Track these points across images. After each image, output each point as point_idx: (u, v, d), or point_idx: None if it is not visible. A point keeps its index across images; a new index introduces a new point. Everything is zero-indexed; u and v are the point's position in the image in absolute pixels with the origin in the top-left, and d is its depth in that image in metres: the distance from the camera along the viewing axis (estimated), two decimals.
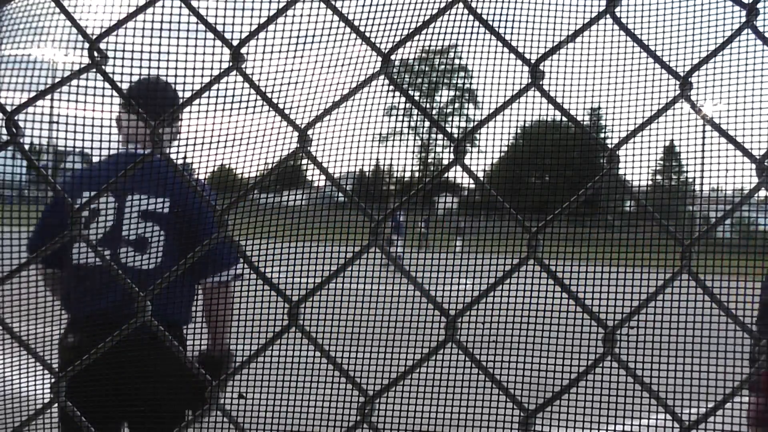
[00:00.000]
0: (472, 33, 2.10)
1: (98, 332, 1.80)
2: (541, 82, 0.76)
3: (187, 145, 2.81)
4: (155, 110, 2.13)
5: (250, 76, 0.81)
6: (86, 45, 0.78)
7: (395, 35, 1.94)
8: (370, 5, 1.90)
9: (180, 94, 2.53)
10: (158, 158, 2.24)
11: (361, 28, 1.36)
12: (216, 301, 2.23)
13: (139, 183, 2.10)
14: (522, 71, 2.16)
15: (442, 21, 2.07)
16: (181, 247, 1.98)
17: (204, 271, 2.23)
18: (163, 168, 2.08)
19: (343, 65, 2.02)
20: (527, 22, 2.09)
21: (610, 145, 0.76)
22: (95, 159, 2.12)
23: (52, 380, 0.74)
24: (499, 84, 2.18)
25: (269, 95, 0.82)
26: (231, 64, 0.78)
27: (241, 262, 2.19)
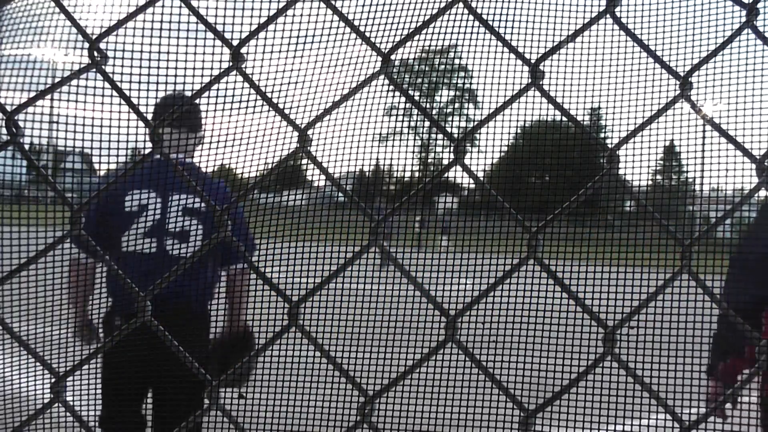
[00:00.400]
0: (472, 33, 2.10)
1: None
2: (541, 82, 0.76)
3: (187, 144, 2.81)
4: (181, 122, 2.54)
5: (250, 76, 0.81)
6: (86, 45, 0.78)
7: (395, 35, 1.94)
8: (370, 5, 1.90)
9: (180, 95, 2.56)
10: (190, 162, 2.59)
11: (361, 28, 1.36)
12: (240, 284, 2.57)
13: (180, 184, 2.47)
14: (522, 71, 2.16)
15: (442, 21, 2.07)
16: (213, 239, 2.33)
17: (230, 258, 2.56)
18: (197, 170, 2.52)
19: (343, 65, 2.02)
20: (527, 22, 2.09)
21: (610, 145, 0.76)
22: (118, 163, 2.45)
23: (53, 380, 0.74)
24: (499, 84, 2.18)
25: (269, 95, 0.82)
26: (231, 64, 0.78)
27: (257, 250, 2.48)
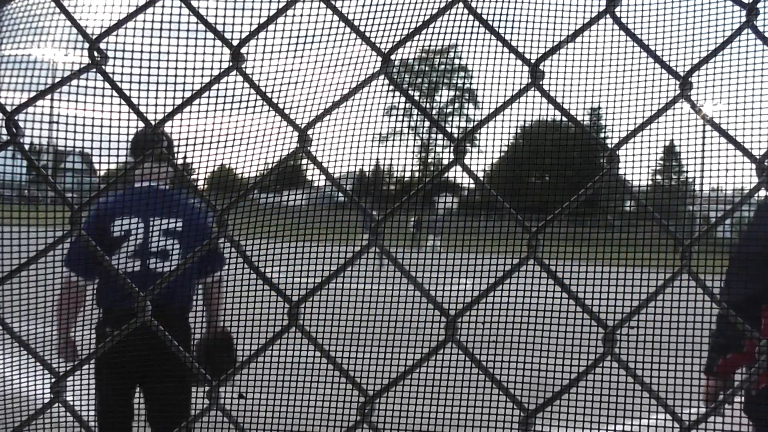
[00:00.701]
0: (472, 33, 2.10)
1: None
2: (541, 82, 0.76)
3: (187, 145, 2.81)
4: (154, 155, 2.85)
5: (250, 76, 0.81)
6: (86, 45, 0.78)
7: (395, 35, 1.94)
8: (370, 5, 1.90)
9: (180, 94, 2.57)
10: (164, 188, 2.92)
11: (361, 28, 1.36)
12: (218, 292, 2.93)
13: (160, 209, 2.83)
14: (522, 71, 2.16)
15: (442, 21, 2.07)
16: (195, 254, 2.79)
17: (208, 269, 2.91)
18: (176, 197, 2.92)
19: (343, 65, 2.02)
20: (527, 22, 2.09)
21: (610, 145, 0.76)
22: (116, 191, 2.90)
23: (52, 380, 0.74)
24: (499, 84, 2.18)
25: (269, 95, 0.82)
26: (231, 64, 0.78)
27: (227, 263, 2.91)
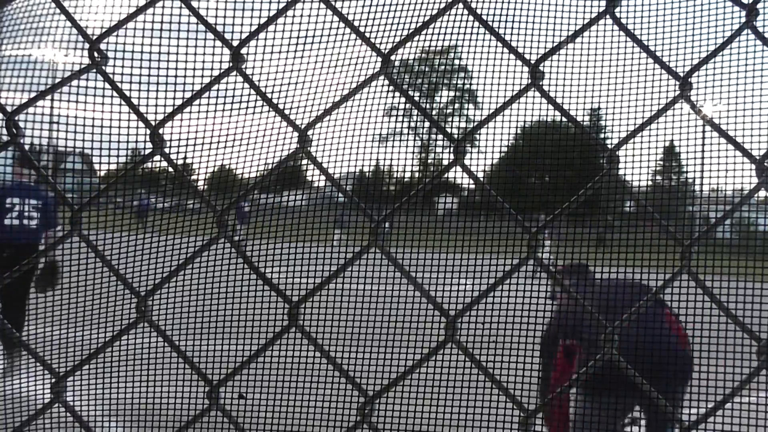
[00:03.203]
0: (472, 33, 2.10)
1: (17, 251, 5.25)
2: (541, 83, 0.76)
3: (187, 145, 2.81)
4: (24, 162, 5.33)
5: (251, 76, 0.81)
6: (86, 45, 0.78)
7: (395, 35, 1.94)
8: (371, 5, 1.90)
9: (180, 94, 2.57)
10: (29, 183, 5.68)
11: (362, 29, 1.36)
12: (53, 240, 5.35)
13: (29, 194, 5.44)
14: (522, 71, 2.16)
15: (442, 21, 2.07)
16: (44, 219, 5.58)
17: (49, 226, 5.44)
18: (36, 188, 5.46)
19: (343, 65, 2.02)
20: (527, 22, 2.09)
21: (610, 146, 0.76)
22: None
23: (53, 380, 0.74)
24: (499, 84, 2.19)
25: (269, 95, 0.82)
26: (231, 64, 0.78)
27: (61, 224, 5.56)
